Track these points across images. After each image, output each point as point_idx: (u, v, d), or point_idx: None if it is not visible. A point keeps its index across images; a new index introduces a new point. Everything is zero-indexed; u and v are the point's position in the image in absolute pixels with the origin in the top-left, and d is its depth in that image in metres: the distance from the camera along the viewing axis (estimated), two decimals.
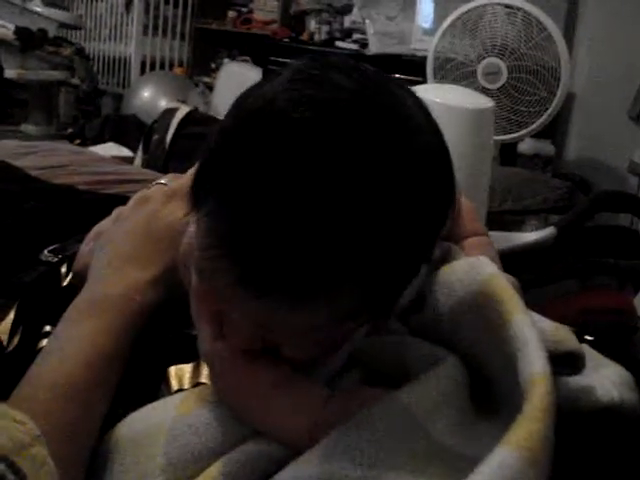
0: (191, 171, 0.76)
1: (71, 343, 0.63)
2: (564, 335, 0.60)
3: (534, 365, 0.49)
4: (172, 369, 0.65)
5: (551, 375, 0.49)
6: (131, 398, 0.63)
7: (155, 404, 0.62)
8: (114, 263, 0.69)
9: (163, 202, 0.72)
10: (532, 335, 0.51)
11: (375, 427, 0.51)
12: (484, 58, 2.80)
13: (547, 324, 0.60)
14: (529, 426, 0.45)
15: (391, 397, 0.53)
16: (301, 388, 0.57)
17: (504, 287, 0.56)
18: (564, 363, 0.57)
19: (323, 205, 0.48)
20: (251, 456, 0.56)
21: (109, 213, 0.78)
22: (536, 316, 0.58)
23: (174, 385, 0.64)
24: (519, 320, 0.53)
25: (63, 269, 0.79)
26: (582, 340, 0.67)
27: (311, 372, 0.60)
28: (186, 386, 0.64)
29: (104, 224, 0.76)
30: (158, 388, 0.64)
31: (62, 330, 0.65)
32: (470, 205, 0.77)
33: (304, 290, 0.50)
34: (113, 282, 0.67)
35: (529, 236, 1.45)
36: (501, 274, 0.59)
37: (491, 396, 0.55)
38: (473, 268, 0.59)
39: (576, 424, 0.51)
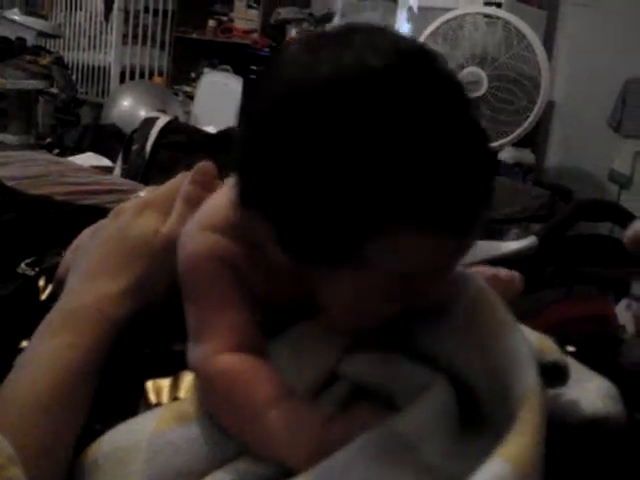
0: (169, 182, 0.75)
1: (42, 358, 0.62)
2: (548, 345, 0.60)
3: (526, 380, 0.49)
4: (149, 383, 0.64)
5: (542, 390, 0.49)
6: (109, 414, 0.62)
7: (133, 420, 0.60)
8: (85, 276, 0.68)
9: (136, 213, 0.71)
10: (524, 350, 0.51)
11: (366, 452, 0.50)
12: (464, 67, 2.81)
13: (531, 334, 0.60)
14: (521, 440, 0.45)
15: (385, 422, 0.51)
16: (299, 407, 0.55)
17: (494, 301, 0.56)
18: (548, 373, 0.57)
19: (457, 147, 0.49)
20: (237, 476, 0.54)
21: (87, 224, 0.77)
22: (519, 326, 0.58)
23: (152, 399, 0.63)
24: (511, 334, 0.53)
25: (41, 282, 0.78)
26: (564, 351, 0.66)
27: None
28: (165, 400, 0.63)
29: (84, 237, 0.76)
30: (137, 403, 0.63)
31: (34, 345, 0.64)
32: None
33: (470, 221, 0.52)
34: (83, 295, 0.66)
35: (510, 245, 1.45)
36: (489, 288, 0.58)
37: (476, 409, 0.55)
38: (462, 281, 0.58)
39: (563, 438, 0.51)
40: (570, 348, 0.77)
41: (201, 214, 0.64)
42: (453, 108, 0.51)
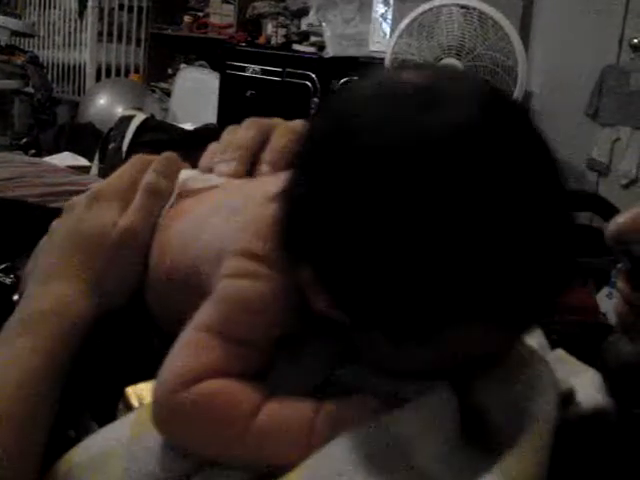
0: (119, 170, 0.72)
1: (3, 364, 0.60)
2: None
3: (544, 408, 0.49)
4: (130, 389, 0.62)
5: (556, 419, 0.49)
6: (84, 420, 0.61)
7: (109, 426, 0.59)
8: (41, 279, 0.66)
9: (86, 207, 0.68)
10: (549, 381, 0.52)
11: (357, 453, 0.49)
12: (441, 59, 2.81)
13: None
14: (523, 458, 0.45)
15: (376, 422, 0.50)
16: (287, 401, 0.53)
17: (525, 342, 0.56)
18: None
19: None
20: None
21: None
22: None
23: (135, 404, 0.61)
24: (541, 369, 0.53)
25: (15, 297, 0.75)
26: (551, 341, 0.66)
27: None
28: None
29: (44, 239, 0.74)
30: (114, 408, 0.62)
31: None
32: None
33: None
34: (40, 298, 0.64)
35: None
36: None
37: (482, 425, 0.54)
38: None
39: (566, 431, 0.51)
40: (554, 337, 0.77)
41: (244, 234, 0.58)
42: (549, 194, 0.49)
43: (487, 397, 0.54)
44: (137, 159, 0.73)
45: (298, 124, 0.72)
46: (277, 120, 0.74)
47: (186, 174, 0.72)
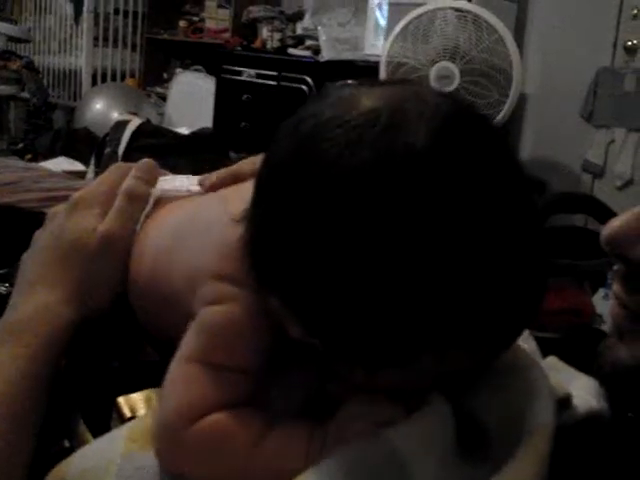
0: (100, 177, 0.72)
1: None
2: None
3: (540, 415, 0.49)
4: (121, 399, 0.62)
5: (553, 427, 0.49)
6: (78, 430, 0.61)
7: (101, 440, 0.58)
8: (24, 288, 0.66)
9: (67, 214, 0.68)
10: (545, 386, 0.51)
11: (355, 467, 0.48)
12: (436, 62, 2.81)
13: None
14: (521, 472, 0.45)
15: (376, 436, 0.50)
16: (285, 428, 0.52)
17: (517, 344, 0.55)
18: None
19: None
20: None
21: None
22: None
23: (127, 414, 0.61)
24: (535, 372, 0.53)
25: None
26: (547, 344, 0.66)
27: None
28: (141, 413, 0.61)
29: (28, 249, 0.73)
30: (108, 418, 0.62)
31: None
32: None
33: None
34: (22, 307, 0.64)
35: None
36: None
37: (476, 432, 0.54)
38: None
39: (561, 437, 0.51)
40: (548, 335, 0.77)
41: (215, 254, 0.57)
42: (516, 218, 0.47)
43: (481, 404, 0.54)
44: (116, 167, 0.73)
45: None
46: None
47: (165, 180, 0.72)
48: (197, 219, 0.64)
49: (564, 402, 0.56)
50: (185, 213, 0.67)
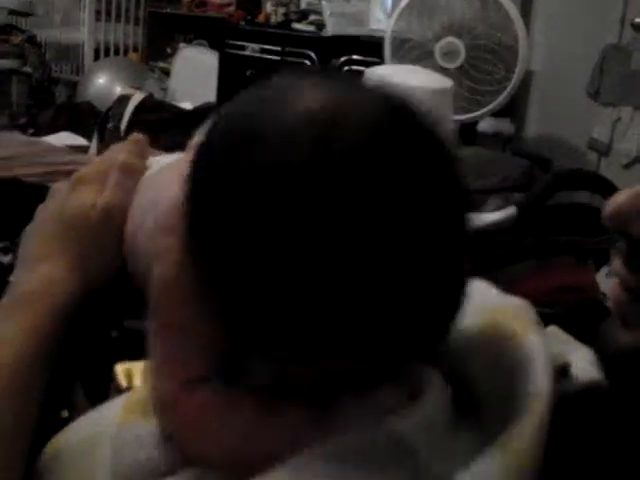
0: (102, 155, 0.74)
1: None
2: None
3: (538, 383, 0.49)
4: (119, 367, 0.62)
5: (553, 394, 0.49)
6: (78, 400, 0.61)
7: (97, 410, 0.58)
8: (26, 263, 0.67)
9: (69, 191, 0.69)
10: (542, 353, 0.51)
11: (364, 456, 0.48)
12: (441, 38, 2.79)
13: None
14: (522, 439, 0.45)
15: (379, 425, 0.49)
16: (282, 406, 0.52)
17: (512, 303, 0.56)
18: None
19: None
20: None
21: None
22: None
23: (123, 383, 0.61)
24: (532, 339, 0.53)
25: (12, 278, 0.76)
26: (549, 319, 0.66)
27: None
28: (137, 384, 0.61)
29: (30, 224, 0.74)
30: (107, 388, 0.62)
31: None
32: None
33: None
34: (26, 281, 0.65)
35: (489, 217, 1.45)
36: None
37: (472, 402, 0.54)
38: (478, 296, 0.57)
39: (563, 406, 0.51)
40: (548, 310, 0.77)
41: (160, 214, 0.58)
42: (436, 229, 0.46)
43: (476, 370, 0.54)
44: (118, 145, 0.74)
45: None
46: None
47: (153, 158, 0.73)
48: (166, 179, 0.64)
49: (562, 371, 0.56)
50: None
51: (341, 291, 0.44)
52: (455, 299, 0.49)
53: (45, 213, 0.70)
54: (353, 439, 0.48)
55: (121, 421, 0.55)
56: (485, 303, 0.57)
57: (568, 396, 0.54)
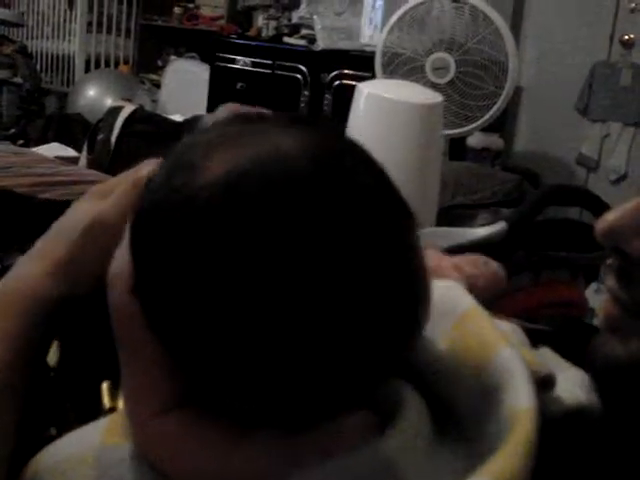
0: (126, 172, 0.73)
1: None
2: (531, 360, 0.57)
3: (520, 398, 0.48)
4: (105, 385, 0.61)
5: (537, 410, 0.48)
6: (66, 417, 0.60)
7: (82, 429, 0.57)
8: (17, 265, 0.66)
9: (78, 202, 0.69)
10: (519, 367, 0.50)
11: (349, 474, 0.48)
12: (432, 53, 2.80)
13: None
14: (509, 461, 0.44)
15: (366, 446, 0.49)
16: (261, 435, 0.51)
17: (487, 321, 0.55)
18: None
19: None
20: None
21: (49, 219, 0.75)
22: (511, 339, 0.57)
23: (106, 403, 0.60)
24: (506, 353, 0.51)
25: None
26: (537, 335, 0.66)
27: None
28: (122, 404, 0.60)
29: None
30: (97, 406, 0.61)
31: None
32: None
33: None
34: (8, 279, 0.64)
35: (480, 232, 1.45)
36: (478, 305, 0.57)
37: (449, 420, 0.53)
38: (448, 298, 0.57)
39: (548, 430, 0.50)
40: (539, 327, 0.77)
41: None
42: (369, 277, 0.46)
43: (451, 388, 0.53)
44: (152, 160, 0.74)
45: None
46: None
47: None
48: None
49: (543, 383, 0.55)
50: None
51: (272, 328, 0.45)
52: (410, 315, 0.49)
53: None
54: (339, 464, 0.48)
55: (104, 443, 0.54)
56: (455, 309, 0.56)
57: (555, 420, 0.54)
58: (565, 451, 0.54)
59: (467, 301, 0.57)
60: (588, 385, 0.58)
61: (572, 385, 0.57)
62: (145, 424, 0.52)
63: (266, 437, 0.50)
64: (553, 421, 0.53)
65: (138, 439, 0.53)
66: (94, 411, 0.61)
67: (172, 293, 0.46)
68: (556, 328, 1.06)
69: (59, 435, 0.58)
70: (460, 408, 0.53)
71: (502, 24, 2.74)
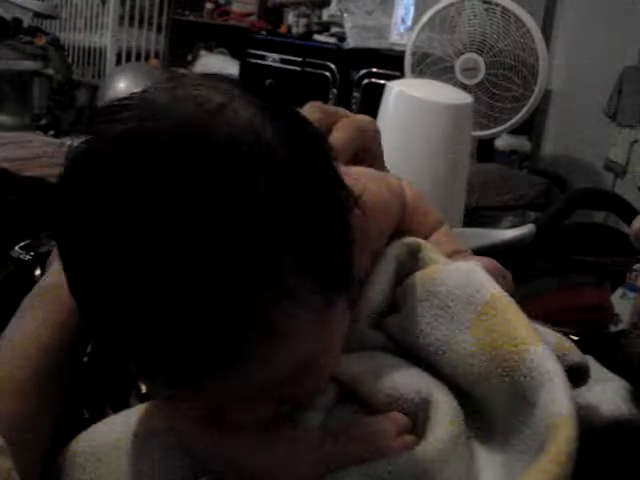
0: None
1: (16, 336, 0.61)
2: (568, 346, 0.56)
3: (560, 405, 0.47)
4: None
5: (576, 416, 0.47)
6: (99, 401, 0.61)
7: (119, 415, 0.58)
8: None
9: None
10: (556, 370, 0.49)
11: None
12: (462, 54, 2.80)
13: (550, 335, 0.56)
14: (552, 469, 0.44)
15: (400, 454, 0.48)
16: (287, 436, 0.51)
17: (515, 311, 0.53)
18: (570, 374, 0.52)
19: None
20: None
21: None
22: (537, 325, 0.54)
23: (142, 388, 0.61)
24: (539, 351, 0.49)
25: (37, 271, 0.76)
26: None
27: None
28: None
29: None
30: (128, 392, 0.61)
31: (11, 326, 0.63)
32: (419, 194, 0.68)
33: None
34: (54, 273, 0.64)
35: (508, 233, 1.45)
36: (504, 293, 0.54)
37: (482, 423, 0.52)
38: (469, 282, 0.55)
39: (588, 441, 0.49)
40: (573, 337, 0.76)
41: None
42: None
43: (479, 387, 0.52)
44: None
45: (363, 120, 0.69)
46: (342, 111, 0.70)
47: None
48: None
49: (582, 372, 0.54)
50: None
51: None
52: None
53: None
54: (378, 470, 0.47)
55: (140, 430, 0.55)
56: (478, 295, 0.54)
57: (596, 432, 0.53)
58: (605, 463, 0.53)
59: (491, 287, 0.54)
60: (633, 397, 0.57)
61: (613, 396, 0.57)
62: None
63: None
64: (593, 432, 0.52)
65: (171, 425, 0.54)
66: (124, 397, 0.62)
67: (69, 249, 0.48)
68: (585, 336, 1.05)
69: (91, 417, 0.59)
70: (490, 408, 0.52)
71: (533, 26, 2.73)
